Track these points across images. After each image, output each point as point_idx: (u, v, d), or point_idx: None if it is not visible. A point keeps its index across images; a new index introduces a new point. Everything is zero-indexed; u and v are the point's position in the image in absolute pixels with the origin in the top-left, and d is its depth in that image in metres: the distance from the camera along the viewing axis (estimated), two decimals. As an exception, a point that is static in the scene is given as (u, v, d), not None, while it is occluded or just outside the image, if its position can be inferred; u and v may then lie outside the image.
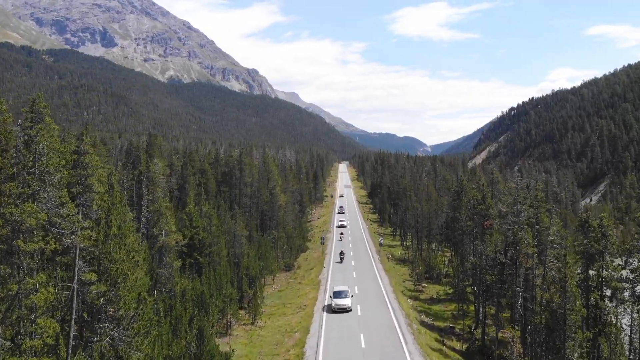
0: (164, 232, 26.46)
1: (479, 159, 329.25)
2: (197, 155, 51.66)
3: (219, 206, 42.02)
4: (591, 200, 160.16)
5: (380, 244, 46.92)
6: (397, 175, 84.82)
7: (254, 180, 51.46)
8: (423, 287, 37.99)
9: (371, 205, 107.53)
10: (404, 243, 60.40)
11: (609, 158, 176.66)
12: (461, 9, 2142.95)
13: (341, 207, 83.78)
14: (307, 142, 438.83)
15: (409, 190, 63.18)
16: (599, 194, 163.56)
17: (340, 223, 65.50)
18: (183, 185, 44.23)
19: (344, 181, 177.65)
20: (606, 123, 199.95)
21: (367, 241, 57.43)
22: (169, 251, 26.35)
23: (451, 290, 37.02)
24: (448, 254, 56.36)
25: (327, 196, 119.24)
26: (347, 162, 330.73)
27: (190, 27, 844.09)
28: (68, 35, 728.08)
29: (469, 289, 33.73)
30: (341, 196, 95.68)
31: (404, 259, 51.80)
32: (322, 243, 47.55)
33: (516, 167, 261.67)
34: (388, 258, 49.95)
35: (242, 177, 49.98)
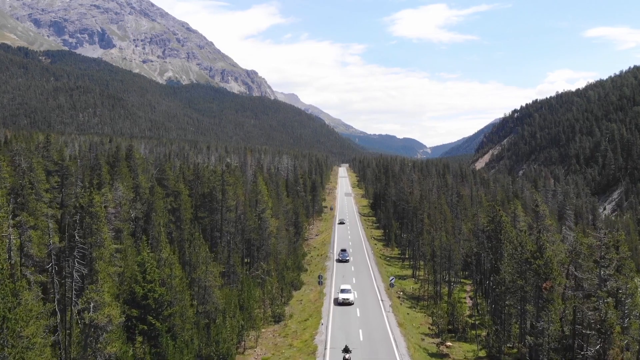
0: (92, 305, 18.45)
1: (481, 162, 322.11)
2: (171, 172, 43.37)
3: (191, 239, 33.96)
4: (605, 209, 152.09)
5: (391, 285, 38.90)
6: (403, 188, 76.53)
7: (240, 203, 43.31)
8: (447, 347, 29.86)
9: (374, 218, 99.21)
10: (416, 273, 51.78)
11: (622, 164, 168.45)
12: (460, 10, 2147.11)
13: (343, 250, 60.03)
14: (307, 144, 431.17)
15: (419, 210, 54.96)
16: (613, 203, 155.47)
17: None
18: (149, 213, 36.28)
19: (344, 188, 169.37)
20: (617, 127, 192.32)
21: (372, 272, 48.81)
22: (100, 332, 18.27)
23: (484, 353, 28.88)
24: (468, 286, 48.19)
25: (326, 207, 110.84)
26: (347, 165, 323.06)
27: (189, 29, 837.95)
28: (66, 37, 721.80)
29: None
30: (341, 223, 73.02)
31: (417, 297, 43.59)
32: (320, 283, 39.53)
33: (521, 172, 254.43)
34: (399, 296, 41.79)
35: (224, 200, 41.86)
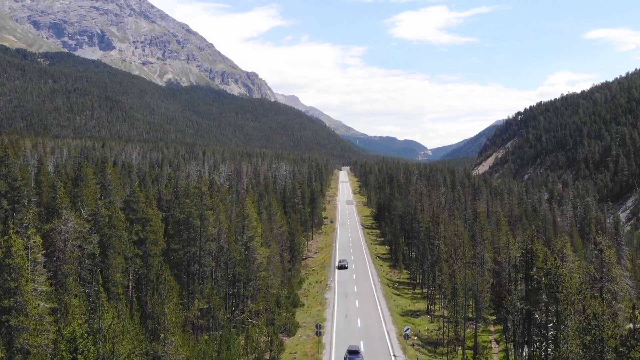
0: None
1: (485, 166, 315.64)
2: (141, 193, 36.47)
3: (158, 281, 27.17)
4: (615, 216, 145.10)
5: (406, 337, 32.10)
6: (411, 201, 69.42)
7: (222, 231, 36.52)
8: None
9: (378, 231, 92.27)
10: (431, 308, 44.19)
11: (636, 170, 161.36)
12: (460, 13, 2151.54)
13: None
14: (307, 146, 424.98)
15: (433, 232, 47.90)
16: (628, 211, 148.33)
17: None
18: (107, 248, 29.44)
19: (345, 195, 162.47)
20: (628, 131, 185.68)
21: (380, 309, 41.45)
22: None
23: None
24: (490, 324, 41.25)
25: (326, 217, 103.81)
26: (348, 168, 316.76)
27: (189, 30, 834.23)
28: (66, 39, 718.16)
29: None
30: (342, 267, 58.13)
31: (435, 342, 36.62)
32: (318, 334, 32.78)
33: (526, 176, 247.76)
34: (413, 343, 34.87)
35: (203, 228, 35.12)
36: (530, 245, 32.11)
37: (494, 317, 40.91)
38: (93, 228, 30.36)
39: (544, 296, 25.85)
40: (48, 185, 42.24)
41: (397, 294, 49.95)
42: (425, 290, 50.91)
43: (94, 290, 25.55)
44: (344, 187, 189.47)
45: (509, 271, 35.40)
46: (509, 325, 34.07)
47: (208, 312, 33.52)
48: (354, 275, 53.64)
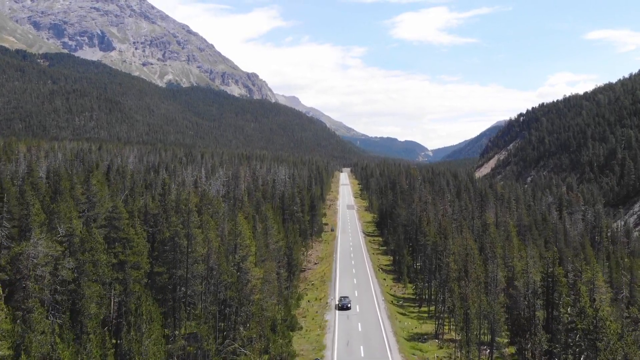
0: None
1: (487, 168, 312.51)
2: (124, 210, 32.99)
3: (137, 313, 24.11)
4: (626, 223, 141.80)
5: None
6: (415, 210, 66.12)
7: (212, 251, 33.33)
8: None
9: (380, 239, 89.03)
10: (440, 330, 40.54)
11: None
12: (460, 13, 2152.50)
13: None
14: (307, 148, 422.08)
15: (440, 246, 44.54)
16: (635, 216, 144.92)
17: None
18: (80, 273, 26.20)
19: (345, 199, 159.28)
20: (634, 133, 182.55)
21: (385, 336, 37.99)
22: None
23: None
24: (506, 352, 38.02)
25: (326, 224, 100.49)
26: (349, 170, 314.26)
27: (189, 31, 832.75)
28: (66, 39, 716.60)
29: None
30: (342, 307, 46.06)
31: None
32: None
33: (529, 178, 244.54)
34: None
35: (190, 249, 31.99)
36: (551, 269, 28.92)
37: (507, 340, 37.79)
38: (67, 251, 27.24)
39: (577, 338, 22.64)
40: (30, 196, 39.05)
41: (402, 313, 46.68)
42: (432, 309, 47.65)
43: (58, 328, 22.45)
44: (345, 190, 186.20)
45: (526, 296, 32.24)
46: (527, 357, 30.88)
47: (196, 340, 30.42)
48: (355, 291, 50.35)
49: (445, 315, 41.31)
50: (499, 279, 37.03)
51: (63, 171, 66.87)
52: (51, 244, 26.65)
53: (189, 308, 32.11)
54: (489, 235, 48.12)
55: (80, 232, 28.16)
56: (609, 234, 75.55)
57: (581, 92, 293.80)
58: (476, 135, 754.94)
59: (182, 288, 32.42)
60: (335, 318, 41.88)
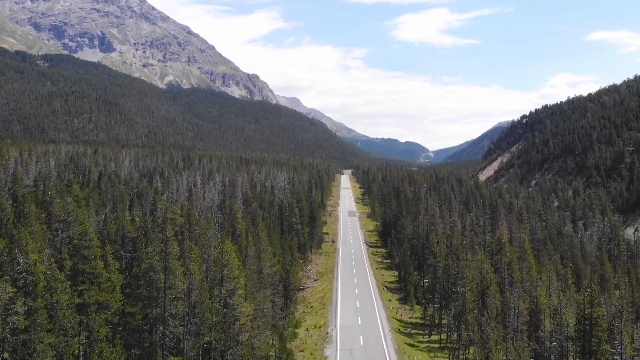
0: None
1: (490, 170, 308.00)
2: (94, 237, 28.79)
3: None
4: (637, 230, 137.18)
5: None
6: (422, 224, 61.99)
7: (194, 285, 29.13)
8: None
9: (383, 251, 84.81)
10: None
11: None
12: (461, 15, 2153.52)
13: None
14: (308, 149, 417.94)
15: (453, 272, 40.27)
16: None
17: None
18: (33, 321, 22.10)
19: (347, 204, 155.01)
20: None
21: None
22: None
23: None
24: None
25: (327, 234, 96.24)
26: (350, 172, 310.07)
27: (190, 32, 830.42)
28: (66, 40, 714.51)
29: None
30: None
31: None
32: None
33: (533, 182, 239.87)
34: None
35: (168, 284, 27.74)
36: (589, 310, 24.69)
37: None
38: (20, 292, 23.09)
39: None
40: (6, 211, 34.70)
41: (410, 344, 42.32)
42: (443, 337, 43.36)
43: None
44: (346, 194, 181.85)
45: (558, 340, 28.04)
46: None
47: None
48: (359, 318, 46.01)
49: (461, 353, 37.07)
50: (520, 310, 32.89)
51: (55, 182, 62.86)
52: (2, 284, 22.49)
53: (167, 353, 27.99)
54: (505, 255, 43.93)
55: (36, 266, 23.95)
56: (625, 247, 71.42)
57: (584, 94, 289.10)
58: (477, 136, 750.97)
59: (161, 327, 28.28)
60: (337, 354, 37.61)
